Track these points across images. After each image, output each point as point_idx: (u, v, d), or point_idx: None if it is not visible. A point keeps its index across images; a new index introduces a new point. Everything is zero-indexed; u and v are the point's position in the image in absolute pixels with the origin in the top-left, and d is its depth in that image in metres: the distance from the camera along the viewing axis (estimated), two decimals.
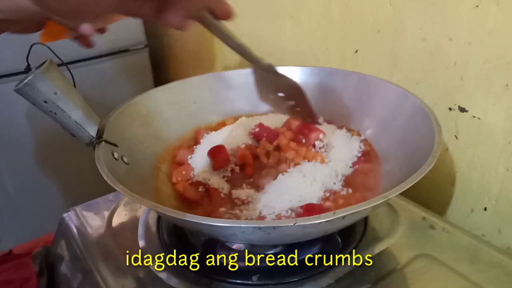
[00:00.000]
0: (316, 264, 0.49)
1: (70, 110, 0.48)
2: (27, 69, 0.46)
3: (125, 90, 1.23)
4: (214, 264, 0.50)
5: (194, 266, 0.50)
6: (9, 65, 0.98)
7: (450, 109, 0.60)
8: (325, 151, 0.59)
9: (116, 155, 0.52)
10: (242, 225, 0.38)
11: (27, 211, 1.19)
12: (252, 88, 0.55)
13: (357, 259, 0.50)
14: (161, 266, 0.51)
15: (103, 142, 0.50)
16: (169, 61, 1.40)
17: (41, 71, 0.45)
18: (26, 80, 0.44)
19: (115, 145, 0.52)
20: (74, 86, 0.50)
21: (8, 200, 1.16)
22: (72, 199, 0.94)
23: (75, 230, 0.60)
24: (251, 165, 0.58)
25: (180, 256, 0.52)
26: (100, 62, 1.18)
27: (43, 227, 0.81)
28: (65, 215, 0.64)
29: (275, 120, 0.66)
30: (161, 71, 1.41)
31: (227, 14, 0.39)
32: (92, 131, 0.51)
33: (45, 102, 0.47)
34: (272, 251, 0.50)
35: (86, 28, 0.38)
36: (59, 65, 0.49)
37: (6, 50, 0.97)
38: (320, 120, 0.64)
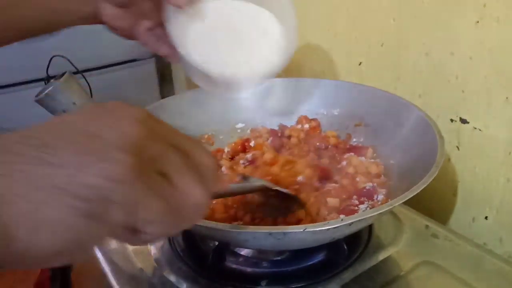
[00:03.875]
0: (322, 270, 0.51)
1: None
2: (47, 80, 0.48)
3: (132, 99, 1.24)
4: (224, 270, 0.52)
5: (204, 272, 0.51)
6: (27, 73, 1.01)
7: (452, 121, 0.62)
8: None
9: None
10: (254, 231, 0.40)
11: None
12: (260, 98, 0.57)
13: (362, 266, 0.51)
14: (172, 272, 0.52)
15: None
16: (175, 72, 1.42)
17: (61, 82, 0.47)
18: (46, 91, 0.47)
19: None
20: (91, 95, 0.52)
21: None
22: None
23: None
24: None
25: (190, 262, 0.53)
26: (107, 72, 1.21)
27: None
28: None
29: None
30: (167, 81, 1.44)
31: None
32: None
33: (64, 111, 0.49)
34: (280, 257, 0.52)
35: None
36: (74, 73, 0.51)
37: (24, 59, 1.00)
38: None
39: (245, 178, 0.48)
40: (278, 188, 0.50)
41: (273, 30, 0.59)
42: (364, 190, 0.55)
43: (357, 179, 0.58)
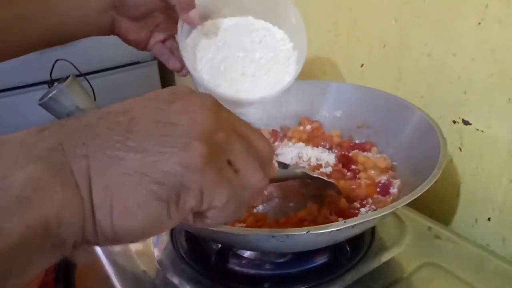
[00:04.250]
0: (325, 272, 0.51)
1: None
2: (51, 84, 0.49)
3: None
4: (227, 272, 0.52)
5: (207, 274, 0.52)
6: (31, 76, 1.01)
7: (454, 122, 0.62)
8: None
9: None
10: (256, 233, 0.40)
11: None
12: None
13: (365, 267, 0.51)
14: (175, 273, 0.52)
15: None
16: (177, 75, 1.43)
17: (65, 86, 0.47)
18: (50, 95, 0.47)
19: None
20: (94, 98, 0.52)
21: None
22: None
23: None
24: None
25: (193, 264, 0.53)
26: (110, 75, 1.21)
27: None
28: None
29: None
30: (170, 84, 1.44)
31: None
32: None
33: (68, 115, 0.49)
34: (283, 259, 0.52)
35: None
36: (77, 75, 0.52)
37: (27, 63, 1.01)
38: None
39: (284, 165, 0.48)
40: (318, 176, 0.51)
41: (285, 50, 0.60)
42: (380, 184, 0.56)
43: (369, 173, 0.59)
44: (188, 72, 0.58)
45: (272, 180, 0.43)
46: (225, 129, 0.27)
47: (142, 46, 0.59)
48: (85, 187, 0.23)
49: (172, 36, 0.60)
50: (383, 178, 0.57)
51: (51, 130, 0.24)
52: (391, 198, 0.54)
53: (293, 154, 0.62)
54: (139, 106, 0.26)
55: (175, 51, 0.60)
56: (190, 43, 0.57)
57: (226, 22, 0.60)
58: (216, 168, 0.25)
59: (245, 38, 0.60)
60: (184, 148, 0.24)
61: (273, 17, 0.61)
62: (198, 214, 0.27)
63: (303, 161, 0.61)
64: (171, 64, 0.61)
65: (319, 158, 0.61)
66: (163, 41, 0.60)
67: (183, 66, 0.59)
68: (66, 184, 0.22)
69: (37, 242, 0.21)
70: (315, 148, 0.64)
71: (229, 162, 0.27)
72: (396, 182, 0.56)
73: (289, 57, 0.60)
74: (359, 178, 0.58)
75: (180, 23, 0.55)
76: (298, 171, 0.49)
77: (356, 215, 0.51)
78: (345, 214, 0.51)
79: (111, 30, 0.56)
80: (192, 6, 0.53)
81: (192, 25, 0.56)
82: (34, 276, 0.22)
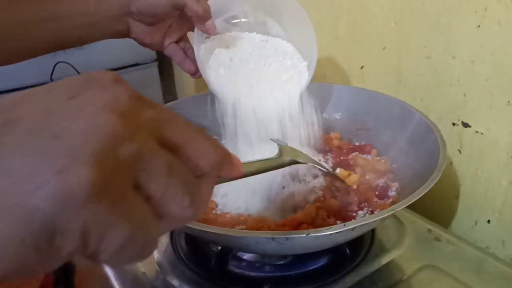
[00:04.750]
0: (325, 274, 0.51)
1: None
2: None
3: None
4: (227, 274, 0.52)
5: (207, 276, 0.52)
6: (32, 79, 1.01)
7: (454, 124, 0.62)
8: None
9: None
10: (256, 236, 0.40)
11: None
12: None
13: (365, 270, 0.51)
14: (175, 276, 0.52)
15: None
16: (177, 76, 1.43)
17: None
18: None
19: None
20: None
21: None
22: None
23: None
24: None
25: (193, 266, 0.53)
26: None
27: None
28: None
29: None
30: (170, 86, 1.44)
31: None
32: None
33: None
34: (283, 261, 0.52)
35: None
36: None
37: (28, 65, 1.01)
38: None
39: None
40: (315, 164, 0.47)
41: (296, 67, 0.61)
42: (379, 188, 0.56)
43: (367, 176, 0.58)
44: (201, 76, 0.60)
45: (250, 174, 0.36)
46: (139, 139, 0.20)
47: (157, 47, 0.61)
48: None
49: (184, 35, 0.62)
50: (381, 181, 0.57)
51: None
52: (390, 201, 0.54)
53: None
54: (28, 102, 0.20)
55: (188, 52, 0.62)
56: (205, 50, 0.59)
57: (242, 35, 0.63)
58: (112, 198, 0.18)
59: (258, 52, 0.62)
60: (62, 172, 0.17)
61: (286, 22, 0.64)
62: (92, 256, 0.20)
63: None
64: (186, 66, 0.62)
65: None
66: (176, 42, 0.62)
67: (197, 69, 0.60)
68: None
69: None
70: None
71: (138, 186, 0.20)
72: (395, 185, 0.56)
73: (299, 76, 0.62)
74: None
75: (196, 30, 0.57)
76: (287, 159, 0.42)
77: (354, 218, 0.51)
78: (343, 217, 0.51)
79: (127, 34, 0.58)
80: (208, 16, 0.55)
81: (209, 34, 0.58)
82: None
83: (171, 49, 0.62)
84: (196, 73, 0.62)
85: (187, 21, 0.59)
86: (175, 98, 0.73)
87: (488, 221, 0.61)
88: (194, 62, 0.60)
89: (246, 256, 0.54)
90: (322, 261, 0.52)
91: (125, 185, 0.19)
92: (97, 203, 0.18)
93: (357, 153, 0.64)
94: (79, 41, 0.57)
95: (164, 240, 0.59)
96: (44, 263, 0.18)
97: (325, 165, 0.60)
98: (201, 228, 0.41)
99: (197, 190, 0.22)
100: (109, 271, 0.55)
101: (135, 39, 0.59)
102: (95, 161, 0.18)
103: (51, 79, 0.49)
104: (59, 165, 0.17)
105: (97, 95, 0.20)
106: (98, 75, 0.21)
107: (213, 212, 0.55)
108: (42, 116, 0.19)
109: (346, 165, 0.61)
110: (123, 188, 0.19)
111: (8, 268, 0.17)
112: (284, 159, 0.41)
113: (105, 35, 0.57)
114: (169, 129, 0.22)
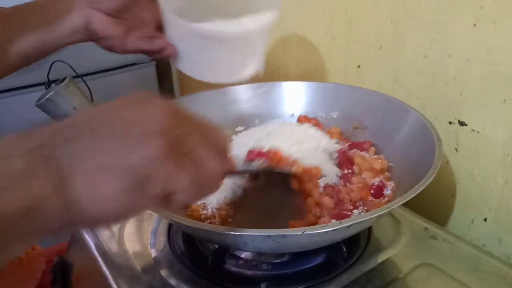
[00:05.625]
0: (322, 272, 0.51)
1: None
2: (48, 85, 0.49)
3: None
4: (223, 272, 0.52)
5: (204, 274, 0.52)
6: (28, 78, 1.02)
7: (450, 123, 0.62)
8: None
9: None
10: (252, 234, 0.41)
11: None
12: (259, 101, 0.58)
13: (361, 268, 0.51)
14: (172, 274, 0.52)
15: None
16: (174, 76, 1.43)
17: (62, 87, 0.47)
18: (47, 96, 0.47)
19: None
20: (92, 99, 0.52)
21: None
22: None
23: (88, 239, 0.62)
24: None
25: (190, 264, 0.54)
26: (109, 75, 1.21)
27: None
28: None
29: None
30: (167, 85, 1.44)
31: None
32: None
33: (65, 116, 0.49)
34: (279, 260, 0.52)
35: None
36: (74, 77, 0.52)
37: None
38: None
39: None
40: (280, 170, 0.54)
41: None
42: (374, 186, 0.56)
43: (363, 175, 0.58)
44: (176, 53, 0.57)
45: (238, 173, 0.53)
46: (182, 126, 0.31)
47: (119, 44, 0.57)
48: (67, 181, 0.26)
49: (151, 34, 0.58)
50: (376, 180, 0.57)
51: (33, 134, 0.27)
52: (385, 199, 0.54)
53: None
54: (106, 111, 0.30)
55: (157, 36, 0.58)
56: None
57: None
58: (175, 158, 0.29)
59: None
60: (145, 144, 0.28)
61: None
62: (165, 198, 0.30)
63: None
64: (158, 44, 0.58)
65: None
66: (141, 38, 0.58)
67: (169, 44, 0.57)
68: (51, 175, 0.26)
69: (29, 217, 0.25)
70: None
71: (189, 152, 0.31)
72: (390, 184, 0.56)
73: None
74: (351, 184, 0.58)
75: None
76: (261, 166, 0.56)
77: (349, 216, 0.51)
78: (338, 215, 0.51)
79: (87, 28, 0.54)
80: None
81: None
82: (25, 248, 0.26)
83: (137, 43, 0.58)
84: (169, 48, 0.58)
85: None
86: (172, 98, 0.73)
87: (485, 220, 0.61)
88: (164, 40, 0.56)
89: (243, 254, 0.54)
90: (319, 259, 0.52)
91: (181, 150, 0.30)
92: (168, 159, 0.28)
93: (355, 150, 0.64)
94: (50, 50, 0.55)
95: (161, 239, 0.59)
96: (141, 203, 0.29)
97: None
98: (197, 226, 0.41)
99: (222, 156, 0.33)
100: (106, 270, 0.55)
101: (96, 33, 0.55)
102: (162, 136, 0.28)
103: (48, 78, 0.49)
104: (142, 140, 0.28)
105: (151, 103, 0.30)
106: (144, 93, 0.31)
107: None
108: (121, 118, 0.29)
109: (347, 162, 0.61)
110: (181, 151, 0.30)
111: (120, 209, 0.28)
112: (258, 166, 0.56)
113: (74, 42, 0.55)
114: (196, 123, 0.33)
